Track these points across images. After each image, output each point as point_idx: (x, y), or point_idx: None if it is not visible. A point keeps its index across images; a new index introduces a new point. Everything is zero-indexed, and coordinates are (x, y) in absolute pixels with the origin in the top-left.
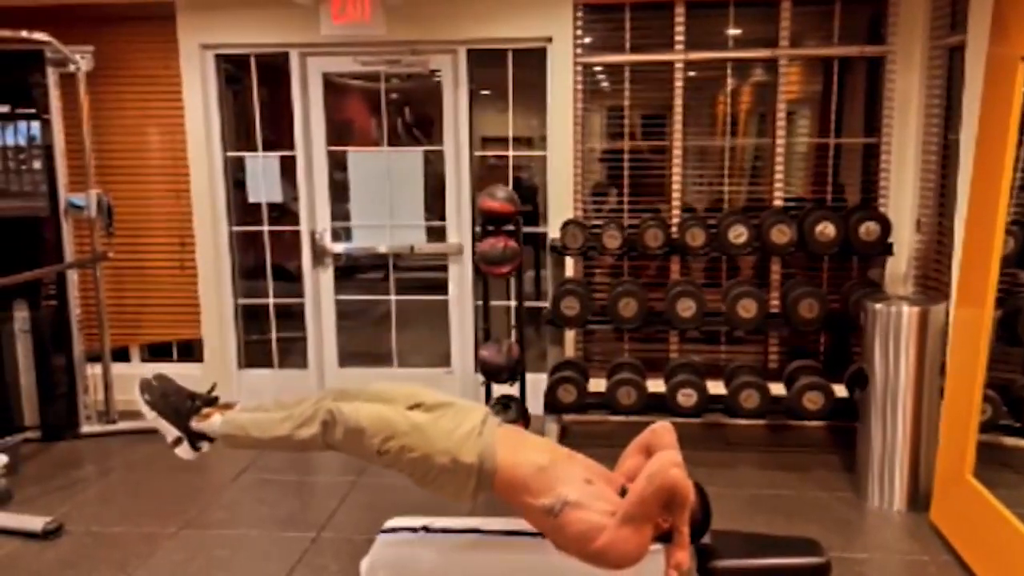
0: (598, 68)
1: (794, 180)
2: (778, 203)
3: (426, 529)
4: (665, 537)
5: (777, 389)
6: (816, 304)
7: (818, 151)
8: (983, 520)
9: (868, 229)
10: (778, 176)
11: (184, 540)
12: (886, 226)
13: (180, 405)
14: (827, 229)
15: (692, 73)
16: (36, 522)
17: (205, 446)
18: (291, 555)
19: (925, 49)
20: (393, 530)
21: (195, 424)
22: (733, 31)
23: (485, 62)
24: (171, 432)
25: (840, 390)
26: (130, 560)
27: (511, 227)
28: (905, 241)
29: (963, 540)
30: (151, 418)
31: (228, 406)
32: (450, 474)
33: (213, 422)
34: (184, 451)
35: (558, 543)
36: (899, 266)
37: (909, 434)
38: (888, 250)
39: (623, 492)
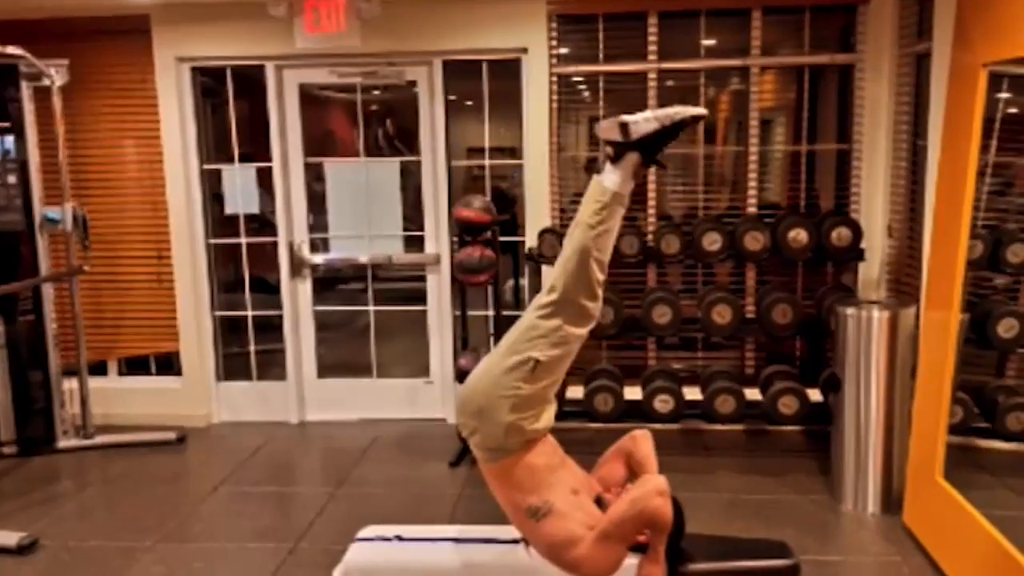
0: (575, 79)
1: (768, 187)
2: (752, 210)
3: (399, 538)
4: (640, 548)
5: (754, 394)
6: (790, 310)
7: (791, 158)
8: (953, 521)
9: (840, 235)
10: (752, 184)
11: (162, 554)
12: (857, 232)
13: (663, 145)
14: (799, 235)
15: (670, 83)
16: (11, 537)
17: (608, 150)
18: (268, 567)
19: (893, 57)
20: (367, 539)
21: (632, 158)
22: (705, 40)
23: (466, 73)
24: (641, 128)
25: (816, 394)
26: (107, 574)
27: (488, 236)
28: (877, 246)
29: (935, 541)
30: (668, 118)
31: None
32: (497, 429)
33: (628, 184)
34: (610, 131)
35: (534, 544)
36: (872, 271)
37: (881, 437)
38: (860, 255)
39: (597, 499)
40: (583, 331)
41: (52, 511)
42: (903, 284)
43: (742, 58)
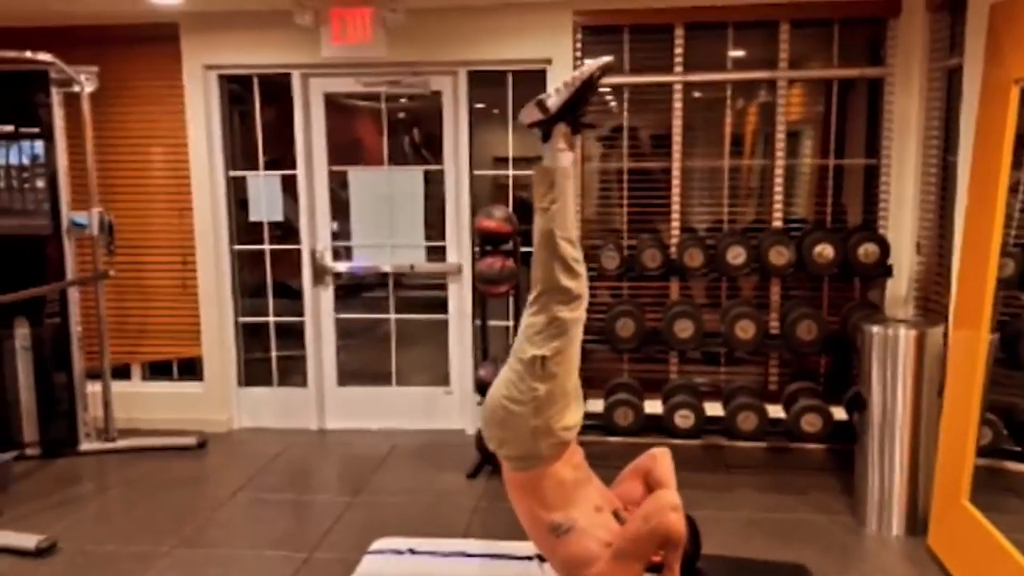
0: (600, 89)
1: (795, 201)
2: (778, 224)
3: (412, 551)
4: (656, 568)
5: (777, 411)
6: (815, 326)
7: (819, 173)
8: (979, 546)
9: (867, 251)
10: (777, 197)
11: (177, 559)
12: (885, 248)
13: (583, 107)
14: (825, 250)
15: (698, 94)
16: (29, 540)
17: (536, 130)
18: (284, 575)
19: (924, 71)
20: (380, 551)
21: (560, 128)
22: (732, 52)
23: (491, 83)
24: (553, 101)
25: (840, 412)
26: None
27: (509, 247)
28: (905, 263)
29: (960, 566)
30: (575, 81)
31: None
32: (523, 434)
33: (565, 155)
34: (530, 114)
35: (550, 559)
36: (899, 288)
37: (907, 458)
38: (887, 272)
39: (615, 514)
40: (576, 314)
41: (72, 513)
42: (931, 302)
43: (769, 71)
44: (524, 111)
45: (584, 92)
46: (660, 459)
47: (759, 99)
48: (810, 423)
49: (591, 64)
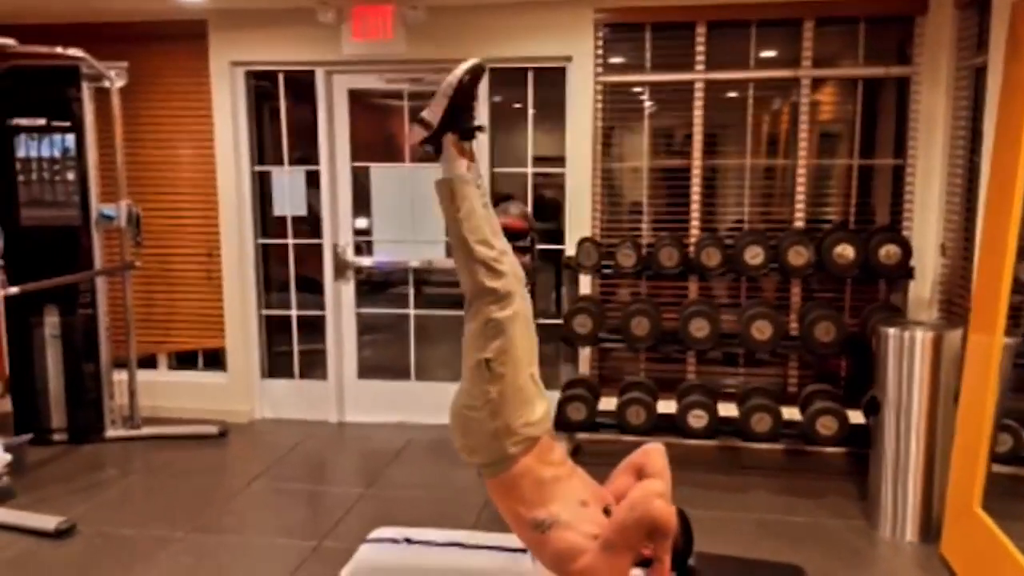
0: (619, 87)
1: (818, 202)
2: (799, 224)
3: (408, 540)
4: (647, 563)
5: (794, 413)
6: (833, 328)
7: (842, 173)
8: (990, 554)
9: (888, 252)
10: (800, 197)
11: (191, 544)
12: (907, 249)
13: (465, 116)
14: (845, 251)
15: (732, 93)
16: (49, 521)
17: (428, 149)
18: (292, 562)
19: (951, 70)
20: (377, 540)
21: (449, 139)
22: (755, 51)
23: (513, 81)
24: (435, 113)
25: (858, 416)
26: (136, 561)
27: (525, 243)
28: (929, 265)
29: (971, 574)
30: (446, 88)
31: (474, 159)
32: (486, 437)
33: (459, 164)
34: (415, 135)
35: (539, 557)
36: (923, 291)
37: (922, 463)
38: (909, 274)
39: (605, 511)
40: (508, 312)
41: (93, 497)
42: (955, 305)
43: (793, 69)
44: (410, 133)
45: (459, 98)
46: (653, 455)
47: (782, 98)
48: (826, 426)
49: (459, 68)
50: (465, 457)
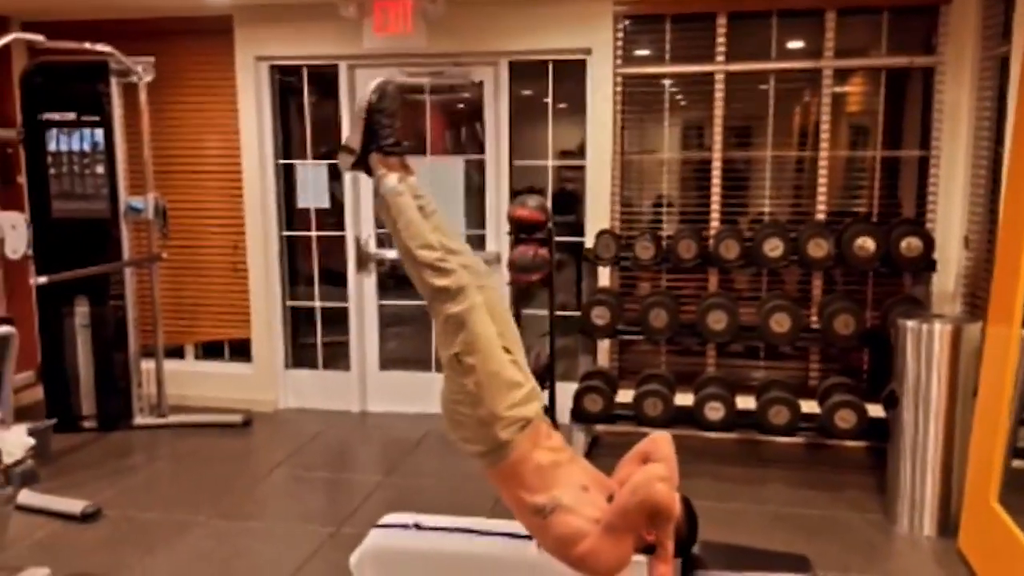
0: (639, 79)
1: (840, 194)
2: (821, 217)
3: (417, 526)
4: (650, 549)
5: (815, 407)
6: (852, 320)
7: (865, 165)
8: (1007, 549)
9: (910, 245)
10: (821, 189)
11: (212, 529)
12: (929, 242)
13: (383, 133)
14: (866, 244)
15: (753, 85)
16: (76, 505)
17: (360, 172)
18: (309, 547)
19: (976, 59)
20: (388, 525)
21: (375, 159)
22: (777, 42)
23: (534, 74)
24: (355, 138)
25: (878, 410)
26: (158, 545)
27: (542, 235)
28: (953, 258)
29: (987, 569)
30: (358, 112)
31: (408, 169)
32: (478, 427)
33: (388, 178)
34: (343, 161)
35: (541, 542)
36: (947, 284)
37: (940, 457)
38: (932, 267)
39: (610, 498)
40: (464, 305)
41: (120, 482)
42: (979, 299)
43: (815, 60)
44: (339, 162)
45: (372, 119)
46: (659, 443)
47: (804, 90)
48: (844, 419)
49: (367, 89)
50: (463, 449)
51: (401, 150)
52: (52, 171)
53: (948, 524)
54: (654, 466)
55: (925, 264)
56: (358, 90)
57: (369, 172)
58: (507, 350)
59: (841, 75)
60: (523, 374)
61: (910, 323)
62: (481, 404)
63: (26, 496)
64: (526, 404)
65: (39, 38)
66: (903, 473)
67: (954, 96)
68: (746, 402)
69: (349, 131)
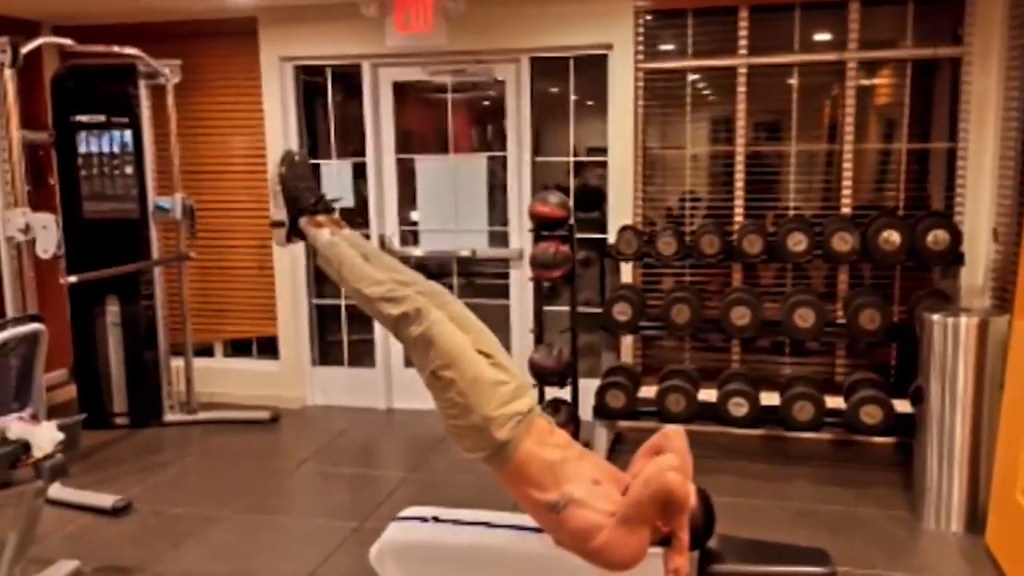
0: (661, 74)
1: (866, 187)
2: (846, 210)
3: (436, 519)
4: (666, 541)
5: (840, 403)
6: (878, 315)
7: (892, 157)
8: None
9: (936, 237)
10: (846, 183)
11: (238, 523)
12: (955, 234)
13: (302, 197)
14: (892, 237)
15: (777, 78)
16: (106, 500)
17: (297, 241)
18: (332, 542)
19: (1004, 49)
20: (406, 519)
21: (304, 223)
22: (800, 34)
23: (556, 70)
24: (280, 212)
25: (905, 405)
26: (185, 538)
27: (564, 232)
28: (981, 251)
29: (1015, 565)
30: (273, 189)
31: (339, 224)
32: (476, 433)
33: (320, 235)
34: (279, 238)
35: (557, 539)
36: (975, 277)
37: (967, 452)
38: (959, 259)
39: (625, 492)
40: (425, 324)
41: (150, 478)
42: (1009, 292)
43: (838, 52)
44: (274, 239)
45: (289, 190)
46: (671, 436)
47: (829, 82)
48: (870, 414)
49: (274, 165)
50: (471, 458)
51: (323, 207)
52: (83, 172)
53: (975, 520)
54: (665, 457)
55: (952, 257)
56: (381, 88)
57: (302, 238)
58: (486, 354)
59: (866, 67)
60: (507, 373)
61: (936, 317)
62: (471, 411)
63: (58, 490)
64: (515, 400)
65: (69, 42)
66: (929, 469)
67: (981, 86)
68: (771, 398)
69: (276, 208)
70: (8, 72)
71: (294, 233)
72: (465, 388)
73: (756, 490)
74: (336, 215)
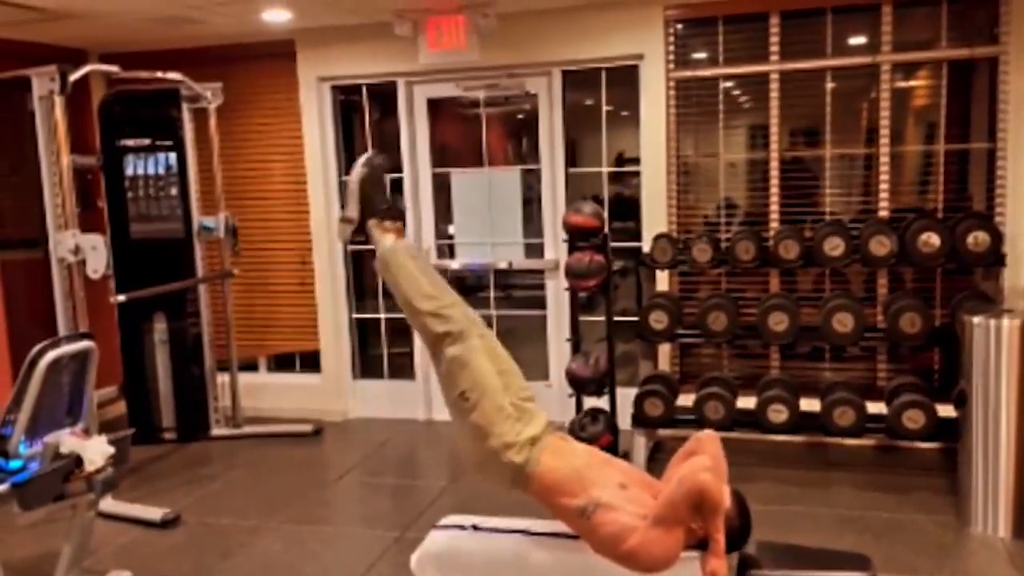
0: (693, 82)
1: (904, 190)
2: (884, 214)
3: (475, 527)
4: (703, 545)
5: (882, 408)
6: (918, 318)
7: (930, 159)
8: None
9: (976, 239)
10: (883, 186)
11: (283, 533)
12: (996, 235)
13: (376, 200)
14: (931, 239)
15: (810, 83)
16: (156, 512)
17: (357, 240)
18: (375, 551)
19: None
20: (446, 527)
21: (372, 224)
22: (832, 39)
23: (587, 82)
24: (353, 210)
25: (948, 410)
26: (233, 549)
27: (598, 241)
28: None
29: None
30: (352, 186)
31: (401, 233)
32: (495, 460)
33: (385, 239)
34: (342, 232)
35: (592, 545)
36: (1019, 279)
37: (1013, 455)
38: (1001, 261)
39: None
40: (465, 345)
41: (198, 490)
42: None
43: (872, 55)
44: (337, 232)
45: (367, 190)
46: (706, 441)
47: (863, 85)
48: (912, 419)
49: (357, 165)
50: (496, 486)
51: (394, 214)
52: (129, 194)
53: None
54: (698, 458)
55: (993, 259)
56: (416, 105)
57: (367, 239)
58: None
59: (901, 69)
60: (534, 411)
61: (977, 319)
62: (489, 437)
63: (109, 504)
64: (537, 429)
65: (114, 68)
66: (974, 473)
67: (1020, 85)
68: (811, 404)
69: (348, 205)
70: (58, 99)
71: (360, 232)
72: (489, 414)
73: (797, 497)
74: (401, 224)
